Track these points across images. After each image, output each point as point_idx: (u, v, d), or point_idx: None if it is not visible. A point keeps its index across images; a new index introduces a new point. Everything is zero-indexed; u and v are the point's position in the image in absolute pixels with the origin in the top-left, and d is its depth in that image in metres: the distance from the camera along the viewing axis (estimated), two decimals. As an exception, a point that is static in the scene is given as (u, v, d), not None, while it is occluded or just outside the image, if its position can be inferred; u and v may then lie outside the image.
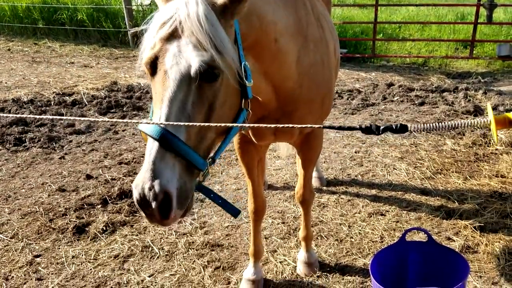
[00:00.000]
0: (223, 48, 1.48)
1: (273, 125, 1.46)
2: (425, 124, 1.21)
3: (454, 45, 11.31)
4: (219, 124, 1.50)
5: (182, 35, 1.50)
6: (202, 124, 1.49)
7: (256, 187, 3.05)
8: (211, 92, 1.53)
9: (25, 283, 3.26)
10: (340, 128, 1.27)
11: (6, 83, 8.70)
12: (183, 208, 1.52)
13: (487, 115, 1.25)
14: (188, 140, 1.48)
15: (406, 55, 10.67)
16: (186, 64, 1.46)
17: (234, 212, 1.83)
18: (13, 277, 3.33)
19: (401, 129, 1.21)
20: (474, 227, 3.65)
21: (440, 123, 1.20)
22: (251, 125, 1.68)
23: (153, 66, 1.54)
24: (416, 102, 7.21)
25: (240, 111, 1.70)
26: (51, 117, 1.56)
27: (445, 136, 5.68)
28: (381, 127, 1.23)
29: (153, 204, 1.40)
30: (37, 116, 1.67)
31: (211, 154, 1.73)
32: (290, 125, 1.42)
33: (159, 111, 1.47)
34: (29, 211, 4.19)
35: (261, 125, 1.51)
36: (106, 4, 12.78)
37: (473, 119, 1.33)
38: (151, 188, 1.40)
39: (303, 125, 1.32)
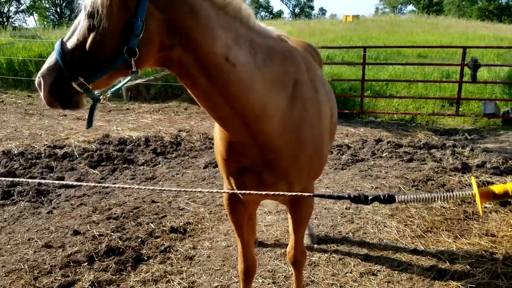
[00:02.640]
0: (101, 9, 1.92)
1: (263, 192, 1.47)
2: (411, 196, 1.24)
3: (441, 102, 11.64)
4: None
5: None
6: None
7: (245, 246, 3.02)
8: (92, 27, 1.94)
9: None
10: (330, 197, 1.30)
11: (-3, 135, 8.72)
12: (53, 96, 2.03)
13: (471, 188, 1.29)
14: (72, 50, 1.98)
15: (394, 112, 10.94)
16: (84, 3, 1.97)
17: (89, 123, 2.25)
18: None
19: (389, 199, 1.24)
20: (466, 288, 3.62)
21: (426, 195, 1.24)
22: (240, 192, 1.70)
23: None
24: (405, 158, 7.32)
25: (119, 54, 1.97)
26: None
27: (440, 192, 5.73)
28: (370, 197, 1.26)
29: (36, 82, 2.05)
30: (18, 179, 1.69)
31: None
32: (278, 193, 1.44)
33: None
34: (14, 268, 4.09)
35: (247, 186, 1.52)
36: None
37: (459, 191, 1.37)
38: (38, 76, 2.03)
39: (293, 193, 1.34)
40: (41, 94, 2.03)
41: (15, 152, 7.45)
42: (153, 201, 5.66)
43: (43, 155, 7.33)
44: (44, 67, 2.01)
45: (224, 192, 1.54)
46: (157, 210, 5.39)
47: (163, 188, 1.61)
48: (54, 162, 7.02)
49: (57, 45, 1.98)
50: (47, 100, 2.03)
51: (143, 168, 7.05)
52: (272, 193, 1.38)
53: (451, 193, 1.30)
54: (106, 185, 1.62)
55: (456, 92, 10.69)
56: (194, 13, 2.00)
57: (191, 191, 1.60)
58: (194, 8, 2.00)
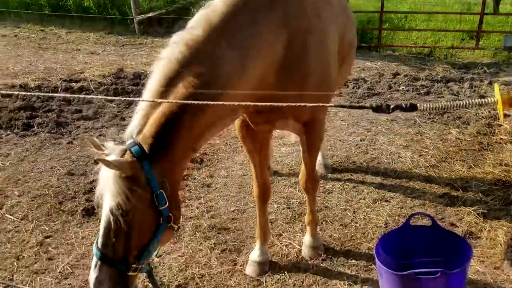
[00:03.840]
0: (125, 197, 1.96)
1: (284, 104, 1.48)
2: (434, 103, 1.25)
3: (460, 35, 11.24)
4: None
5: (104, 187, 2.03)
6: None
7: (259, 171, 3.10)
8: (126, 223, 1.99)
9: (35, 263, 3.34)
10: (351, 107, 1.31)
11: (13, 69, 8.74)
12: None
13: (494, 95, 1.27)
14: (115, 254, 2.03)
15: (412, 45, 10.64)
16: (105, 209, 2.02)
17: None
18: (24, 256, 3.41)
19: (411, 107, 1.25)
20: (478, 214, 3.70)
21: (448, 102, 1.24)
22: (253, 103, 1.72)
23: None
24: (422, 92, 7.22)
25: (159, 226, 2.10)
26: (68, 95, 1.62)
27: (450, 126, 5.71)
28: (391, 106, 1.27)
29: None
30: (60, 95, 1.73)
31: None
32: (298, 104, 1.45)
33: (99, 235, 2.07)
34: (39, 194, 4.27)
35: (270, 103, 1.54)
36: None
37: (481, 99, 1.36)
38: (94, 284, 2.05)
39: (313, 104, 1.35)
40: None
41: (32, 85, 7.51)
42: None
43: (59, 88, 7.38)
44: (96, 275, 2.04)
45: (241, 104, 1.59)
46: (174, 141, 5.47)
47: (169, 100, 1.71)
48: (71, 95, 7.07)
49: (95, 250, 2.04)
50: None
51: (159, 101, 7.08)
52: (287, 104, 1.39)
53: (474, 100, 1.30)
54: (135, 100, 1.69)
55: (476, 25, 10.29)
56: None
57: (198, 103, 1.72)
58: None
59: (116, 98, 1.89)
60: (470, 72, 8.54)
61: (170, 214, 2.10)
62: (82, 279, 3.11)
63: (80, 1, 12.61)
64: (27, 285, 3.08)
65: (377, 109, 1.29)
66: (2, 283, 3.04)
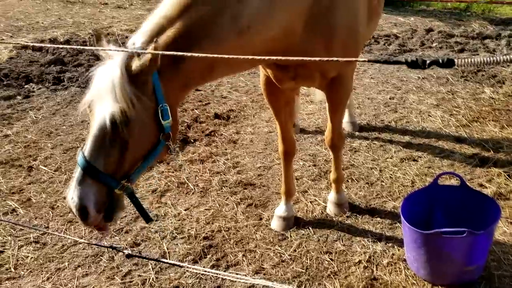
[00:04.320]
0: (130, 103, 1.84)
1: (314, 59, 1.45)
2: (473, 58, 1.20)
3: (501, -11, 10.67)
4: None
5: (104, 91, 1.87)
6: None
7: (284, 128, 3.09)
8: (125, 133, 1.86)
9: (69, 212, 3.47)
10: (386, 62, 1.27)
11: (42, 23, 8.82)
12: (101, 213, 1.96)
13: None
14: (105, 167, 1.88)
15: (448, 0, 10.17)
16: (102, 115, 1.84)
17: (147, 218, 2.16)
18: (58, 206, 3.56)
19: (448, 63, 1.20)
20: (508, 175, 3.63)
21: (488, 57, 1.19)
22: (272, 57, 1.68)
23: (90, 108, 1.96)
24: (456, 49, 6.95)
25: (157, 143, 2.00)
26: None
27: (483, 84, 5.52)
28: (427, 61, 1.23)
29: (76, 212, 1.90)
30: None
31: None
32: (329, 59, 1.42)
33: (87, 145, 1.90)
34: (71, 147, 4.39)
35: (288, 58, 1.50)
36: None
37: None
38: (72, 198, 1.89)
39: (345, 59, 1.32)
40: (90, 217, 1.91)
41: (61, 40, 7.57)
42: (197, 89, 5.75)
43: (88, 43, 7.42)
44: (79, 190, 1.87)
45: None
46: (201, 98, 5.50)
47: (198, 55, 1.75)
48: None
49: (82, 162, 1.86)
50: (95, 219, 1.94)
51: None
52: (319, 59, 1.36)
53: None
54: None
55: (519, -22, 9.73)
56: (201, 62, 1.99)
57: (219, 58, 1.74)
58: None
59: (143, 51, 1.82)
60: (508, 28, 8.14)
61: (170, 132, 2.01)
62: (113, 229, 3.24)
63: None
64: (62, 232, 3.23)
65: (412, 64, 1.25)
66: (39, 230, 3.19)
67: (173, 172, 3.93)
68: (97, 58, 6.72)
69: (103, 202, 1.94)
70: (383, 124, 4.67)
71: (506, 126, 4.46)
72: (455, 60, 1.21)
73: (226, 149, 4.32)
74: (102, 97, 1.87)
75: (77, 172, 1.89)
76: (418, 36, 7.65)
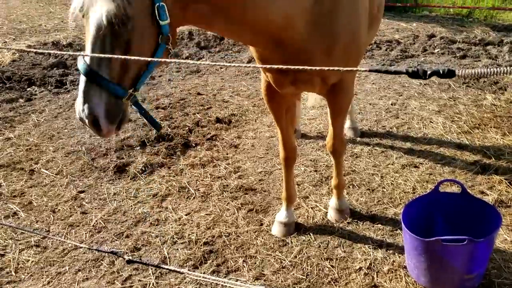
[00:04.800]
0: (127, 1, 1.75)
1: (316, 68, 1.45)
2: (473, 69, 1.20)
3: (503, -5, 10.69)
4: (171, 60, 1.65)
5: None
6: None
7: (285, 134, 3.08)
8: (125, 33, 1.79)
9: (70, 216, 3.48)
10: (387, 71, 1.27)
11: (45, 26, 8.86)
12: (114, 123, 1.89)
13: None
14: (110, 74, 1.81)
15: (450, 6, 10.20)
16: (98, 14, 1.75)
17: (156, 126, 2.15)
18: (59, 210, 3.56)
19: (448, 73, 1.21)
20: (509, 182, 3.62)
21: (489, 68, 1.19)
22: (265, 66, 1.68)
23: (82, 12, 1.82)
24: (458, 55, 6.96)
25: (158, 46, 1.93)
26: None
27: (485, 91, 5.52)
28: (428, 72, 1.23)
29: (87, 122, 1.83)
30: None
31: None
32: (332, 68, 1.42)
33: (86, 51, 1.81)
34: (72, 150, 4.40)
35: (284, 67, 1.51)
36: None
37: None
38: (83, 110, 1.81)
39: (346, 68, 1.32)
40: (103, 129, 1.84)
41: (64, 43, 7.60)
42: (199, 93, 5.77)
43: (90, 46, 7.45)
44: (87, 100, 1.79)
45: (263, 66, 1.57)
46: (203, 102, 5.51)
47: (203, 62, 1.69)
48: (102, 54, 7.14)
49: (84, 68, 1.76)
50: (109, 131, 1.88)
51: (187, 61, 7.06)
52: (320, 68, 1.36)
53: (515, 66, 1.24)
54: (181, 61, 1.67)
55: (522, -16, 9.75)
56: None
57: (219, 65, 1.69)
58: None
59: (144, 58, 1.81)
60: (511, 35, 8.16)
61: (169, 35, 1.94)
62: (114, 233, 3.24)
63: None
64: (63, 237, 3.24)
65: (413, 74, 1.25)
66: (40, 234, 3.19)
67: (174, 176, 3.93)
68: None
69: (114, 112, 1.87)
70: (385, 130, 4.67)
71: (507, 133, 4.46)
72: (456, 71, 1.21)
73: (227, 154, 4.33)
74: None
75: (82, 81, 1.80)
76: (420, 42, 7.65)
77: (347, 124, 4.63)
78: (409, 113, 5.01)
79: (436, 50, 7.22)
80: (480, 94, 5.43)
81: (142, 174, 3.97)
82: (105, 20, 1.73)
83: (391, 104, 5.26)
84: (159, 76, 6.41)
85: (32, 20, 9.23)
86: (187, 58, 7.20)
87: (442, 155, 4.14)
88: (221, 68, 6.81)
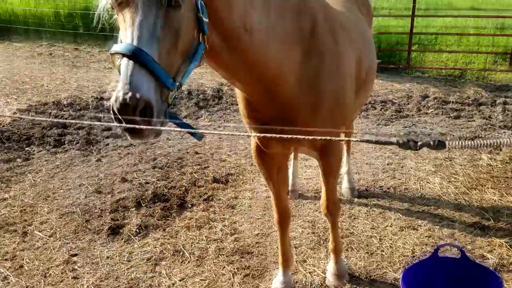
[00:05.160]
0: None
1: (304, 137, 1.47)
2: (463, 142, 1.21)
3: (493, 57, 11.03)
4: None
5: None
6: None
7: (278, 197, 3.06)
8: (176, 19, 1.66)
9: (62, 281, 3.38)
10: (378, 142, 1.29)
11: (47, 86, 9.04)
12: (160, 120, 1.63)
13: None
14: (159, 60, 1.60)
15: (442, 67, 10.50)
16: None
17: (197, 136, 1.95)
18: (50, 274, 3.47)
19: (439, 145, 1.22)
20: (510, 245, 3.56)
21: (479, 141, 1.21)
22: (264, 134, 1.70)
23: None
24: (452, 115, 7.08)
25: (198, 45, 1.81)
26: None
27: (481, 151, 5.56)
28: (419, 143, 1.25)
29: (135, 108, 1.50)
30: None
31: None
32: (323, 137, 1.44)
33: (131, 34, 1.59)
34: (67, 211, 4.35)
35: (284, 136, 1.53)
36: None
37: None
38: (133, 96, 1.50)
39: (341, 138, 1.33)
40: (154, 120, 1.58)
41: (65, 102, 7.73)
42: (196, 152, 5.80)
43: (90, 106, 7.58)
44: (137, 83, 1.53)
45: (253, 135, 1.57)
46: (200, 161, 5.52)
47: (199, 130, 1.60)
48: (102, 113, 7.25)
49: (131, 47, 1.56)
50: (156, 125, 1.60)
51: (186, 120, 7.17)
52: (316, 138, 1.37)
53: (505, 139, 1.26)
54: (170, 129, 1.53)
55: (511, 46, 10.10)
56: None
57: (211, 133, 1.60)
58: None
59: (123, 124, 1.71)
60: (503, 95, 8.34)
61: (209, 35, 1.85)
62: (105, 300, 3.14)
63: (114, 20, 13.01)
64: (52, 303, 3.13)
65: (404, 145, 1.27)
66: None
67: (169, 238, 3.86)
68: (99, 120, 6.86)
69: (163, 106, 1.64)
70: (382, 190, 4.66)
71: (505, 194, 4.44)
72: (446, 143, 1.23)
73: (224, 215, 4.28)
74: None
75: (127, 63, 1.55)
76: (414, 102, 7.81)
77: (345, 184, 4.62)
78: (405, 173, 5.02)
79: (430, 110, 7.35)
80: (475, 154, 5.47)
81: (137, 237, 3.90)
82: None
83: (388, 164, 5.28)
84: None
85: (35, 80, 9.44)
86: (185, 117, 7.30)
87: (440, 216, 4.11)
88: (219, 126, 6.90)
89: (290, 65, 2.29)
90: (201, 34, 1.80)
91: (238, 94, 2.59)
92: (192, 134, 1.94)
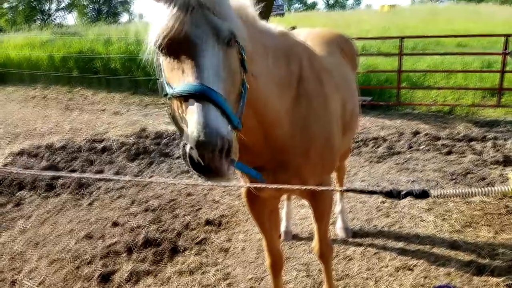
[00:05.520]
0: (237, 21, 1.67)
1: (289, 186, 1.47)
2: (446, 190, 1.22)
3: (481, 93, 11.22)
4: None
5: (201, 7, 1.62)
6: None
7: (270, 241, 3.03)
8: (233, 58, 1.68)
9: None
10: (362, 192, 1.29)
11: (40, 129, 9.07)
12: (234, 159, 1.61)
13: (508, 184, 1.23)
14: (224, 99, 1.58)
15: (432, 103, 10.65)
16: (216, 31, 1.62)
17: (257, 175, 1.99)
18: (38, 325, 3.36)
19: (422, 194, 1.23)
20: (507, 285, 3.52)
21: (461, 190, 1.21)
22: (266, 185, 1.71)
23: (173, 39, 1.61)
24: (443, 151, 7.13)
25: (242, 85, 1.81)
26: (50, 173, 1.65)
27: (473, 188, 5.57)
28: (402, 193, 1.25)
29: (215, 148, 1.47)
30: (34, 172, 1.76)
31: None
32: (315, 187, 1.44)
33: (196, 74, 1.56)
34: (57, 258, 4.27)
35: (273, 185, 1.53)
36: (138, 54, 13.36)
37: (496, 186, 1.33)
38: (215, 136, 1.47)
39: (328, 187, 1.34)
40: (232, 157, 1.57)
41: (57, 146, 7.73)
42: (189, 194, 5.76)
43: (83, 149, 7.58)
44: (216, 124, 1.51)
45: (252, 186, 1.57)
46: (193, 203, 5.48)
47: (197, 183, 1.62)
48: (94, 156, 7.24)
49: (200, 88, 1.54)
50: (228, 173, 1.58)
51: (179, 161, 7.16)
52: (298, 186, 1.38)
53: (486, 188, 1.27)
54: (146, 179, 1.58)
55: (497, 82, 10.29)
56: None
57: (212, 185, 1.56)
58: None
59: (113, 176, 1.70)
60: (493, 130, 8.44)
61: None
62: None
63: (107, 63, 13.22)
64: None
65: (388, 195, 1.27)
66: None
67: (160, 285, 3.78)
68: (91, 163, 6.84)
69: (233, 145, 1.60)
70: (376, 230, 4.62)
71: (499, 231, 4.42)
72: (430, 192, 1.23)
73: (216, 259, 4.21)
74: (203, 13, 1.61)
75: (201, 104, 1.51)
76: (405, 139, 7.87)
77: (339, 224, 4.59)
78: (399, 212, 5.00)
79: (421, 147, 7.40)
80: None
81: (127, 284, 3.81)
82: (223, 38, 1.62)
83: (381, 203, 5.26)
84: (150, 177, 6.44)
85: (28, 124, 9.47)
86: (178, 158, 7.30)
87: (435, 255, 4.06)
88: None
89: (285, 108, 2.33)
90: (245, 74, 1.83)
91: None
92: (251, 174, 1.98)
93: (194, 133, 1.48)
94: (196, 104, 1.52)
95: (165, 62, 1.69)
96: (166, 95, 1.68)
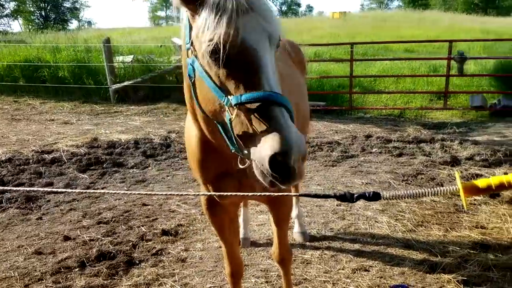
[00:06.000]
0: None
1: (263, 194, 1.45)
2: (396, 192, 1.24)
3: (429, 96, 11.71)
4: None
5: (251, 10, 1.60)
6: None
7: (230, 249, 2.99)
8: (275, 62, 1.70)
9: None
10: (316, 196, 1.29)
11: (-16, 141, 8.61)
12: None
13: (455, 183, 1.28)
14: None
15: (383, 107, 10.99)
16: (268, 34, 1.61)
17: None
18: None
19: (374, 196, 1.24)
20: (458, 281, 3.64)
21: (410, 191, 1.24)
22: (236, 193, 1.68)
23: (230, 45, 1.57)
24: (394, 153, 7.35)
25: None
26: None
27: (423, 188, 5.76)
28: (355, 195, 1.26)
29: (298, 157, 1.48)
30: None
31: None
32: (271, 194, 1.43)
33: (261, 81, 1.54)
34: (4, 277, 4.04)
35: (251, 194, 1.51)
36: (88, 61, 12.99)
37: (443, 186, 1.37)
38: (302, 144, 1.48)
39: (283, 194, 1.33)
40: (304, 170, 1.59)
41: (3, 158, 7.36)
42: (144, 204, 5.63)
43: (31, 160, 7.26)
44: (298, 135, 1.51)
45: (215, 194, 1.54)
46: (148, 213, 5.36)
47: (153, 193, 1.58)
48: (43, 168, 6.95)
49: (283, 99, 1.56)
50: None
51: (133, 171, 7.00)
52: (259, 193, 1.37)
53: (435, 189, 1.30)
54: (97, 191, 1.53)
55: (443, 86, 10.77)
56: None
57: (178, 194, 1.56)
58: None
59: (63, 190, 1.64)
60: (441, 132, 8.80)
61: None
62: None
63: (55, 71, 12.77)
64: None
65: (341, 198, 1.28)
66: None
67: (115, 300, 3.66)
68: (40, 175, 6.56)
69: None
70: (333, 233, 4.68)
71: (449, 229, 4.59)
72: (381, 194, 1.25)
73: (174, 269, 4.12)
74: (256, 17, 1.59)
75: (279, 109, 1.52)
76: (359, 142, 8.07)
77: (296, 228, 4.61)
78: (354, 214, 5.09)
79: (374, 150, 7.60)
80: (419, 191, 5.65)
81: (80, 300, 3.66)
82: (274, 41, 1.64)
83: (337, 205, 5.34)
84: (102, 188, 6.25)
85: (-30, 136, 8.99)
86: (132, 167, 7.13)
87: (390, 255, 4.16)
88: (168, 176, 6.77)
89: None
90: None
91: (196, 142, 2.44)
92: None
93: (291, 140, 1.46)
94: (277, 110, 1.51)
95: (213, 69, 1.63)
96: (226, 103, 1.62)
